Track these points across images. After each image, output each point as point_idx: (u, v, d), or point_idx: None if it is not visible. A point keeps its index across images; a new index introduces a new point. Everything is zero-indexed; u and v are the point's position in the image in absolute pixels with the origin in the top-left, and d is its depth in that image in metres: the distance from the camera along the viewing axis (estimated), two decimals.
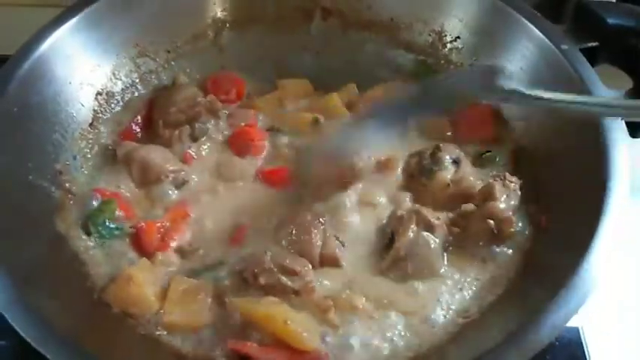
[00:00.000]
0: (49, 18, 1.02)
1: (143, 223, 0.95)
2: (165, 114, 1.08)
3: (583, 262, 0.78)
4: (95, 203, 0.97)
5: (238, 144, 1.09)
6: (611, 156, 0.88)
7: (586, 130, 0.92)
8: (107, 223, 0.95)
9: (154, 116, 1.10)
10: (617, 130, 0.90)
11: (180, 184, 1.03)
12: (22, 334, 0.72)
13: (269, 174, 1.06)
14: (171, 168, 1.03)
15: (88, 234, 0.94)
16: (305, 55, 1.23)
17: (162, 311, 0.86)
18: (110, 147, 1.06)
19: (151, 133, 1.10)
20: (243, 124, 1.12)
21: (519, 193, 0.95)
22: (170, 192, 1.02)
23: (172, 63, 1.17)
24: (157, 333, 0.85)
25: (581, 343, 0.95)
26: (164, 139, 1.08)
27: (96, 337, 0.79)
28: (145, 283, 0.87)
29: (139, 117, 1.11)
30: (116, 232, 0.95)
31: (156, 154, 1.03)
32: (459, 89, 0.91)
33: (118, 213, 0.96)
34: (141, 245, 0.94)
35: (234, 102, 1.17)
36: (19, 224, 0.86)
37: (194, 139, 1.09)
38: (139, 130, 1.10)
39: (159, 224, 0.96)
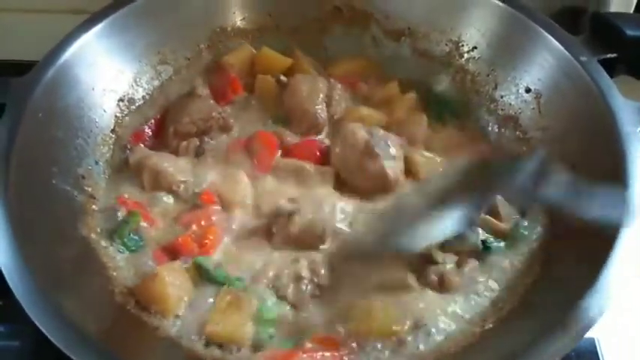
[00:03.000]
0: (75, 24, 1.04)
1: (179, 239, 0.95)
2: (177, 123, 1.09)
3: (601, 272, 0.78)
4: (120, 215, 0.98)
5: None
6: (630, 163, 0.88)
7: (603, 136, 0.93)
8: (132, 235, 0.96)
9: (166, 123, 1.11)
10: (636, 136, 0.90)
11: (191, 194, 1.02)
12: (44, 331, 0.73)
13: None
14: (182, 178, 1.03)
15: (113, 244, 0.95)
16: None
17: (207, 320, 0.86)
18: (126, 152, 1.07)
19: (160, 139, 1.11)
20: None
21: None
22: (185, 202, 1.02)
23: (191, 71, 1.18)
24: (178, 337, 0.86)
25: (597, 355, 0.94)
26: (171, 147, 1.08)
27: (117, 340, 0.80)
28: (170, 284, 0.88)
29: (152, 121, 1.12)
30: (141, 243, 0.96)
31: (169, 163, 1.03)
32: None
33: (142, 224, 0.97)
34: (168, 255, 0.95)
35: (231, 99, 1.16)
36: (44, 227, 0.87)
37: (199, 153, 1.08)
38: (150, 133, 1.11)
39: (192, 235, 0.96)
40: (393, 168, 1.01)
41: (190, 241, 0.95)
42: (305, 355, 0.83)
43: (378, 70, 1.21)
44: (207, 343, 0.85)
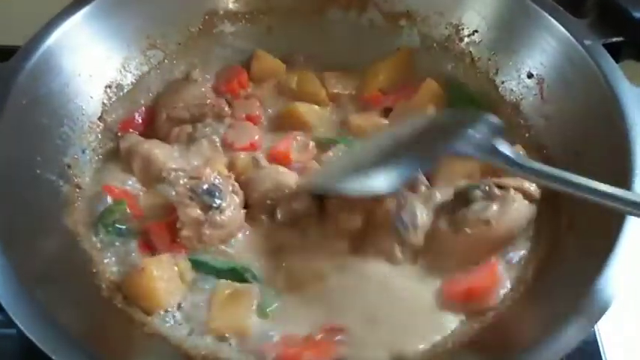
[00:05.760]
0: (60, 8, 1.01)
1: (152, 224, 0.93)
2: (171, 108, 1.06)
3: (605, 268, 0.75)
4: (105, 203, 0.96)
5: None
6: (636, 150, 0.85)
7: (607, 122, 0.90)
8: (117, 225, 0.94)
9: (157, 109, 1.08)
10: None
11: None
12: (25, 332, 0.70)
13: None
14: (173, 165, 0.99)
15: (98, 234, 0.93)
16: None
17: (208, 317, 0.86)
18: (115, 139, 1.05)
19: (151, 126, 1.08)
20: (244, 115, 1.10)
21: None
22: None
23: (182, 55, 1.15)
24: (166, 333, 0.85)
25: (598, 347, 0.93)
26: (162, 134, 1.05)
27: (103, 336, 0.78)
28: (157, 278, 0.86)
29: (143, 108, 1.10)
30: (126, 233, 0.94)
31: (160, 150, 1.01)
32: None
33: (128, 212, 0.95)
34: (151, 245, 0.93)
35: (236, 91, 1.14)
36: (27, 219, 0.85)
37: (191, 139, 1.04)
38: (141, 121, 1.09)
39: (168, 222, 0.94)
40: None
41: (163, 230, 0.92)
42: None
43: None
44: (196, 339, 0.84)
